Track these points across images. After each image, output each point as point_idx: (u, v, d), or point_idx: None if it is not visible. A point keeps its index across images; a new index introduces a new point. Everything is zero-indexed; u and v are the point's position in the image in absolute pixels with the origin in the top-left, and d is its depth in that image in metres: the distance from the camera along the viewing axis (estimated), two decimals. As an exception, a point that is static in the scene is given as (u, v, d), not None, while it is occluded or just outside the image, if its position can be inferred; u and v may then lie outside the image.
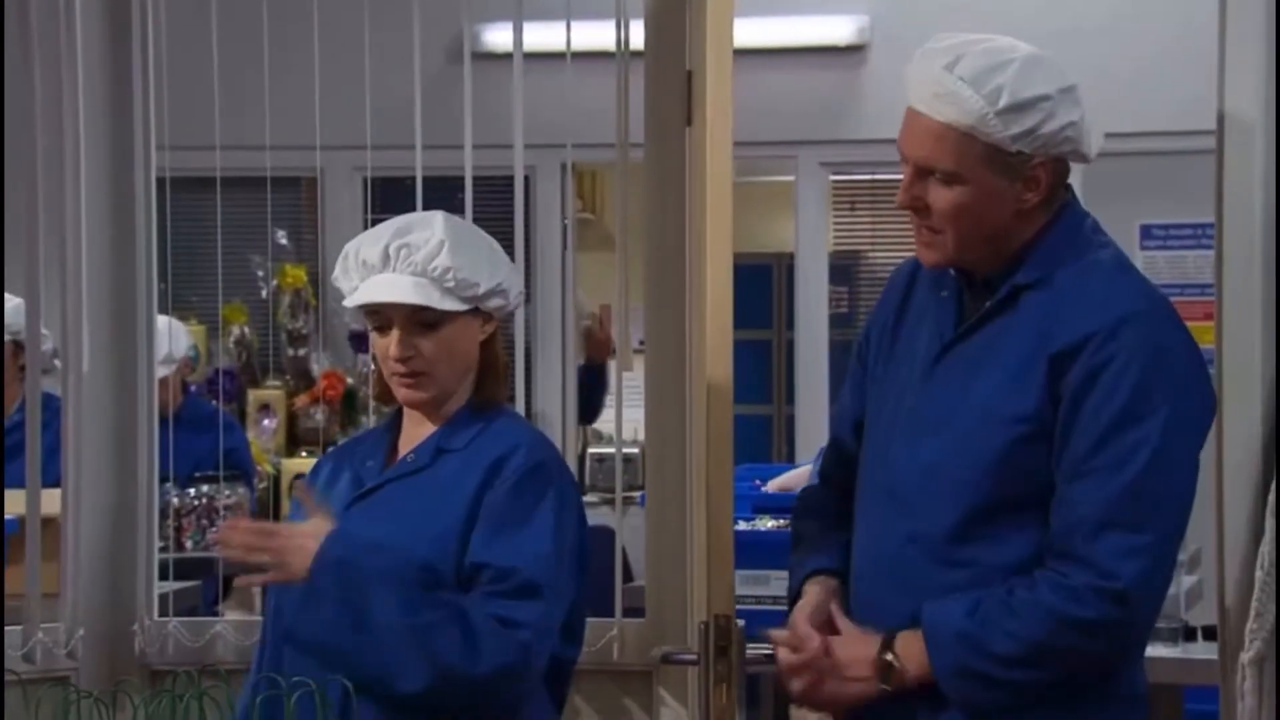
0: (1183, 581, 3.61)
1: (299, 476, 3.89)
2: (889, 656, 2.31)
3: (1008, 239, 2.34)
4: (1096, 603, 2.23)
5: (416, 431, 2.62)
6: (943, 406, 2.34)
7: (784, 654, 2.39)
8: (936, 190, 2.31)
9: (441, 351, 2.55)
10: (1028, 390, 2.28)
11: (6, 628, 3.13)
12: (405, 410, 2.64)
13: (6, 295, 4.08)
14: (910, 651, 2.30)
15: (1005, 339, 2.33)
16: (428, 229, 2.55)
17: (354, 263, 2.56)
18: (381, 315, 2.56)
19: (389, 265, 2.53)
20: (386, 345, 2.55)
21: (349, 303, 2.57)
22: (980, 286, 2.38)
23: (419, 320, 2.54)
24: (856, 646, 2.34)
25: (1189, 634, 3.58)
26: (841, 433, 2.55)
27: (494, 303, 2.58)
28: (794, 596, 2.48)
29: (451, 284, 2.53)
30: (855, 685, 2.34)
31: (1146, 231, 6.23)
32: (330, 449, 2.86)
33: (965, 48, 2.31)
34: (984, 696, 2.28)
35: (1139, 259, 6.20)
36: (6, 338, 4.32)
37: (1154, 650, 3.51)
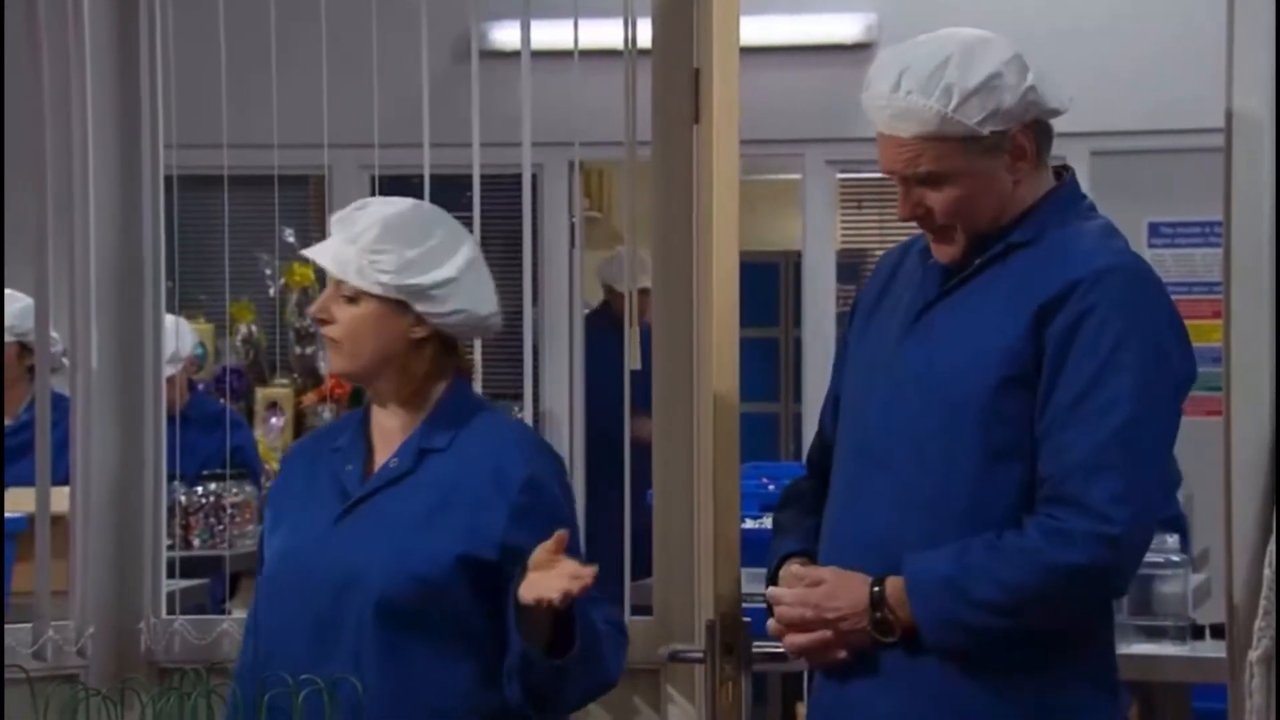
0: (1190, 579, 3.60)
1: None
2: (884, 614, 2.30)
3: (1012, 208, 2.36)
4: (1090, 547, 2.23)
5: (388, 427, 2.59)
6: (922, 362, 2.35)
7: (781, 610, 2.38)
8: (931, 194, 2.34)
9: (351, 328, 2.54)
10: (1012, 336, 2.29)
11: (18, 625, 3.13)
12: (373, 406, 2.62)
13: (15, 295, 4.09)
14: (898, 600, 2.30)
15: (992, 291, 2.34)
16: (382, 207, 2.57)
17: (338, 223, 2.59)
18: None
19: (339, 230, 2.56)
20: None
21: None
22: (970, 249, 2.38)
23: (343, 290, 2.54)
24: (847, 593, 2.33)
25: (1197, 632, 3.57)
26: (824, 416, 2.56)
27: (422, 305, 2.53)
28: (771, 583, 2.48)
29: (366, 263, 2.52)
30: (850, 636, 2.33)
31: (1154, 229, 6.23)
32: (299, 442, 2.81)
33: (902, 60, 2.33)
34: (966, 644, 2.28)
35: (1146, 257, 6.18)
36: (11, 338, 4.33)
37: (1161, 649, 3.52)
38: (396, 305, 2.53)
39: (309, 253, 2.58)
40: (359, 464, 2.58)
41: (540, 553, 2.39)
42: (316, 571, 2.52)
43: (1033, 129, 2.35)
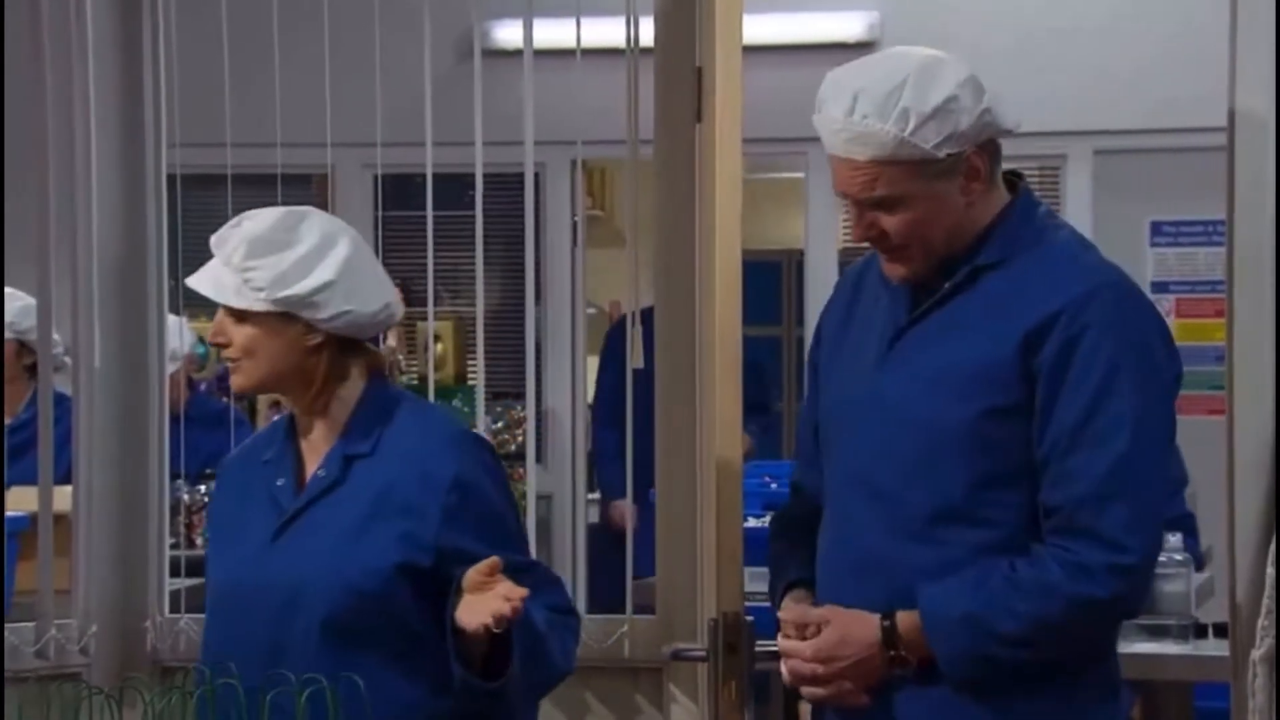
0: (1193, 578, 3.60)
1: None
2: (899, 652, 2.30)
3: (966, 227, 2.35)
4: (1109, 580, 2.23)
5: (312, 436, 2.56)
6: (902, 388, 2.34)
7: (793, 664, 2.38)
8: (885, 218, 2.32)
9: (245, 346, 2.51)
10: (992, 365, 2.28)
11: (21, 624, 3.14)
12: (296, 416, 2.58)
13: (15, 294, 4.09)
14: (912, 638, 2.30)
15: (967, 317, 2.33)
16: (251, 224, 2.52)
17: (217, 242, 2.54)
18: None
19: (216, 251, 2.53)
20: None
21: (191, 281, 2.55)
22: (935, 271, 2.37)
23: (231, 310, 2.52)
24: (855, 637, 2.32)
25: (1199, 631, 3.57)
26: (804, 440, 2.54)
27: (306, 313, 2.50)
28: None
29: (241, 282, 2.49)
30: (867, 678, 2.33)
31: (1156, 228, 6.22)
32: (230, 457, 2.75)
33: (856, 83, 2.30)
34: (984, 675, 2.28)
35: (1149, 256, 6.19)
36: (10, 335, 4.34)
37: (1164, 647, 3.52)
38: (282, 317, 2.49)
39: (191, 282, 2.54)
40: (290, 476, 2.54)
41: (473, 574, 2.36)
42: (258, 593, 2.49)
43: (987, 150, 2.33)
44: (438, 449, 2.51)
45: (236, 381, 2.55)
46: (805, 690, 2.38)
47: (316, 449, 2.55)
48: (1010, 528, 2.29)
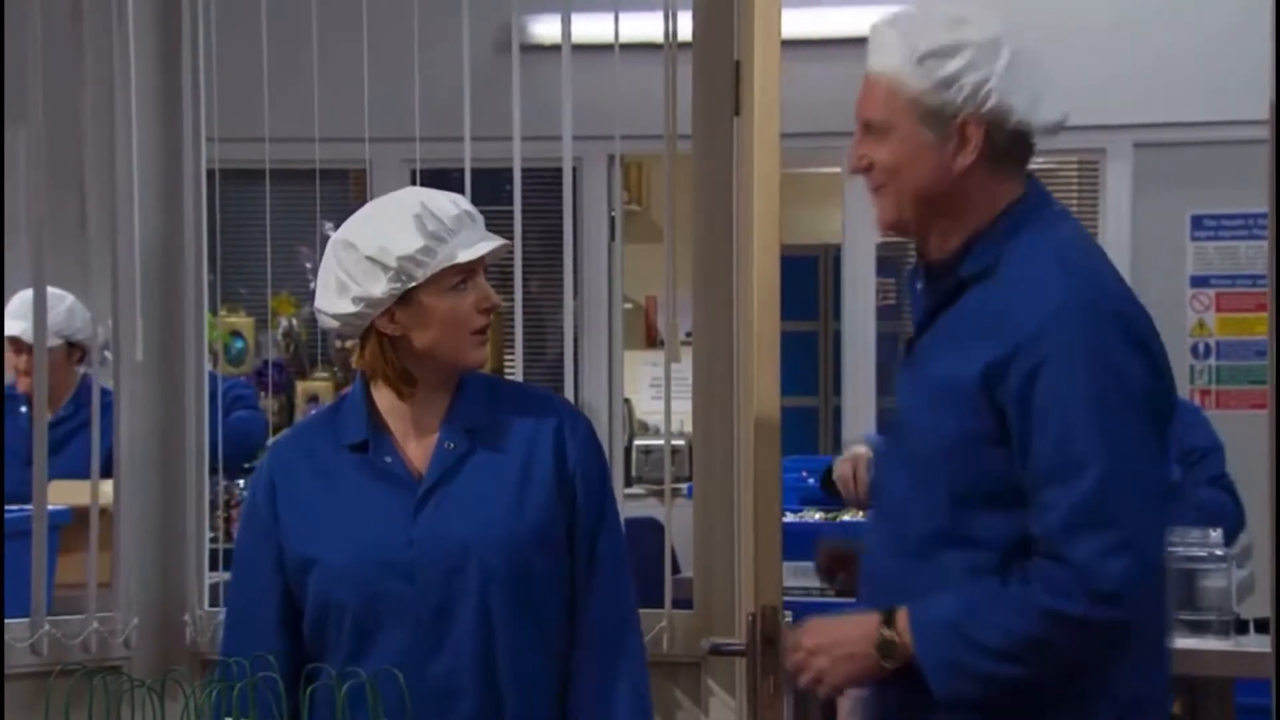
0: (1235, 573, 3.59)
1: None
2: (889, 633, 2.30)
3: (949, 207, 2.35)
4: (1085, 602, 2.21)
5: (401, 409, 2.57)
6: (906, 401, 2.38)
7: (792, 655, 2.40)
8: (876, 146, 2.38)
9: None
10: (966, 389, 2.27)
11: (63, 617, 3.16)
12: (374, 397, 2.59)
13: (60, 295, 4.12)
14: (905, 629, 2.30)
15: (949, 337, 2.34)
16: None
17: (465, 218, 2.54)
18: (469, 269, 2.54)
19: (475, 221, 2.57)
20: (472, 300, 2.53)
21: (475, 253, 2.50)
22: (937, 278, 2.38)
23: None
24: (853, 623, 2.35)
25: (1240, 627, 3.56)
26: None
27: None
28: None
29: None
30: (855, 660, 2.34)
31: (1197, 222, 6.19)
32: (284, 446, 2.68)
33: (912, 7, 2.38)
34: (968, 691, 2.27)
35: (1189, 249, 6.16)
36: (58, 340, 4.35)
37: (1205, 643, 3.50)
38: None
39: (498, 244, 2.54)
40: (395, 454, 2.57)
41: None
42: (418, 564, 2.51)
43: (991, 129, 2.32)
44: (561, 423, 2.61)
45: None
46: (801, 679, 2.39)
47: (409, 424, 2.57)
48: (999, 550, 2.28)
